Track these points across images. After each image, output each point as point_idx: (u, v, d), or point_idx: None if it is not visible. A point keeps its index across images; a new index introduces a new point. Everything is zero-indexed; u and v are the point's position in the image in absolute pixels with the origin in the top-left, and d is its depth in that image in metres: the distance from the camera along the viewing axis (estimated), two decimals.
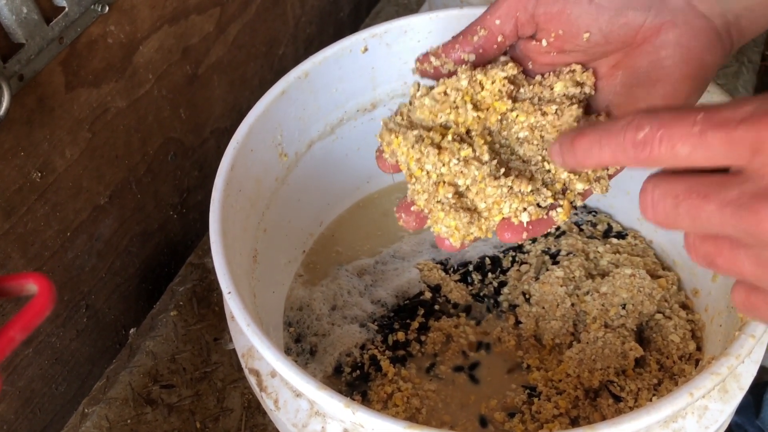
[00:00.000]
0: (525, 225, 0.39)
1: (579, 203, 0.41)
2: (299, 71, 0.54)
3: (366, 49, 0.56)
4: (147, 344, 0.72)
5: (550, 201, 0.39)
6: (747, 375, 0.43)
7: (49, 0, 0.51)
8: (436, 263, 0.62)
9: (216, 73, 0.77)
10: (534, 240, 0.62)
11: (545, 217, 0.40)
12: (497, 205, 0.39)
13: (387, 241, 0.64)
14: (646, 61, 0.39)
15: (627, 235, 0.62)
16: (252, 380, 0.46)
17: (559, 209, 0.40)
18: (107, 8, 0.56)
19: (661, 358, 0.52)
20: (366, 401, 0.54)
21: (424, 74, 0.43)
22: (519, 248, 0.62)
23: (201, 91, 0.76)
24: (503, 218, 0.39)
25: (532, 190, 0.39)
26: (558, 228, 0.63)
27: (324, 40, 0.94)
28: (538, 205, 0.39)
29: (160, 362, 0.71)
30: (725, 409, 0.42)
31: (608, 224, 0.63)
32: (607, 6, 0.38)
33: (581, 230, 0.63)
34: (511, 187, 0.39)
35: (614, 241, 0.61)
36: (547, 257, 0.60)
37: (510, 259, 0.62)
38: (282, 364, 0.40)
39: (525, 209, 0.39)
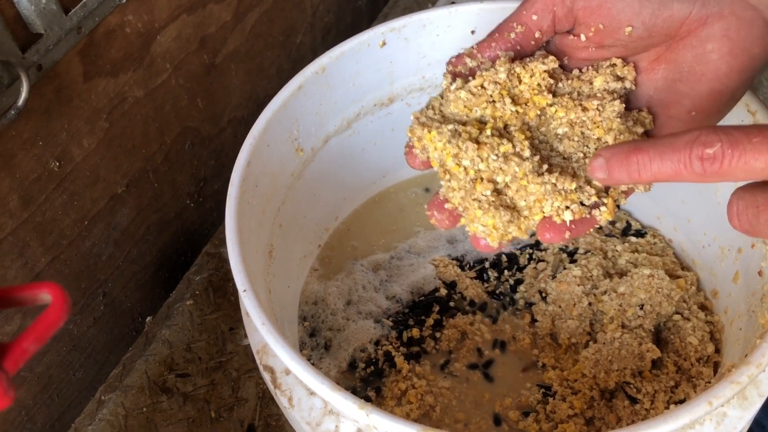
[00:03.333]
0: (568, 224, 0.38)
1: (623, 202, 0.39)
2: (316, 66, 0.53)
3: (384, 44, 0.56)
4: (163, 333, 0.73)
5: (594, 199, 0.38)
6: (767, 382, 0.42)
7: None
8: (452, 259, 0.61)
9: (233, 62, 0.77)
10: None
11: (588, 216, 0.38)
12: (539, 204, 0.37)
13: (402, 236, 0.63)
14: (690, 55, 0.38)
15: (646, 233, 0.61)
16: (266, 377, 0.46)
17: (602, 208, 0.38)
18: None
19: (678, 360, 0.52)
20: (380, 397, 0.54)
21: (458, 77, 0.42)
22: (536, 246, 0.62)
23: (218, 80, 0.75)
24: (544, 217, 0.38)
25: (576, 188, 0.37)
26: None
27: (342, 29, 0.94)
28: (582, 204, 0.38)
29: (176, 351, 0.72)
30: (744, 416, 0.41)
31: (627, 222, 0.63)
32: None
33: (600, 228, 0.62)
34: (555, 185, 0.37)
35: (633, 239, 0.61)
36: (564, 255, 0.60)
37: (527, 256, 0.61)
38: (296, 364, 0.40)
39: (568, 207, 0.37)
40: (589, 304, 0.55)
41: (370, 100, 0.59)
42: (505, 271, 0.60)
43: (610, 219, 0.38)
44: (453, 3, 0.80)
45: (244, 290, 0.43)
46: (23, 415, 0.65)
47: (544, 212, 0.37)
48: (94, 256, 0.68)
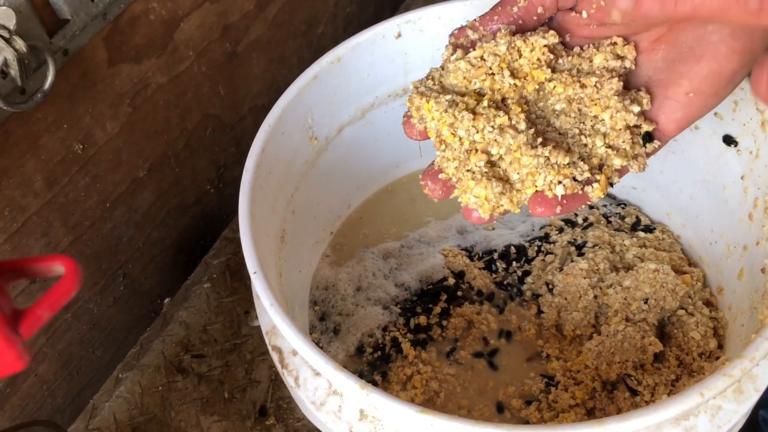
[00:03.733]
0: (559, 199, 0.38)
1: (616, 180, 0.39)
2: (332, 56, 0.54)
3: (399, 35, 0.57)
4: (180, 314, 0.75)
5: (586, 175, 0.38)
6: (764, 377, 0.42)
7: None
8: (461, 249, 0.62)
9: (255, 51, 0.78)
10: (561, 230, 0.63)
11: (580, 192, 0.38)
12: (531, 177, 0.37)
13: (413, 225, 0.65)
14: (690, 36, 0.38)
15: (655, 229, 0.62)
16: (275, 357, 0.48)
17: (595, 185, 0.38)
18: None
19: (680, 355, 0.52)
20: (385, 382, 0.55)
21: (459, 48, 0.42)
22: (545, 238, 0.62)
23: (240, 68, 0.77)
24: (536, 191, 0.38)
25: (569, 163, 0.38)
26: (585, 219, 0.63)
27: (364, 20, 0.95)
28: (575, 179, 0.38)
29: (193, 332, 0.74)
30: (739, 409, 0.42)
31: (637, 217, 0.63)
32: None
33: (609, 222, 0.63)
34: (548, 158, 0.37)
35: (641, 234, 0.61)
36: (572, 248, 0.60)
37: (535, 248, 0.62)
38: (302, 344, 0.41)
39: (560, 182, 0.37)
40: (595, 297, 0.56)
41: (384, 90, 0.60)
42: (514, 263, 0.61)
43: (602, 196, 0.38)
44: None
45: (255, 272, 0.44)
46: (44, 390, 0.68)
47: (536, 186, 0.37)
48: (115, 238, 0.70)
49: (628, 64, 0.41)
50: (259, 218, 0.48)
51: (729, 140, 0.52)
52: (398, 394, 0.54)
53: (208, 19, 0.69)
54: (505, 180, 0.38)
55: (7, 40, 0.47)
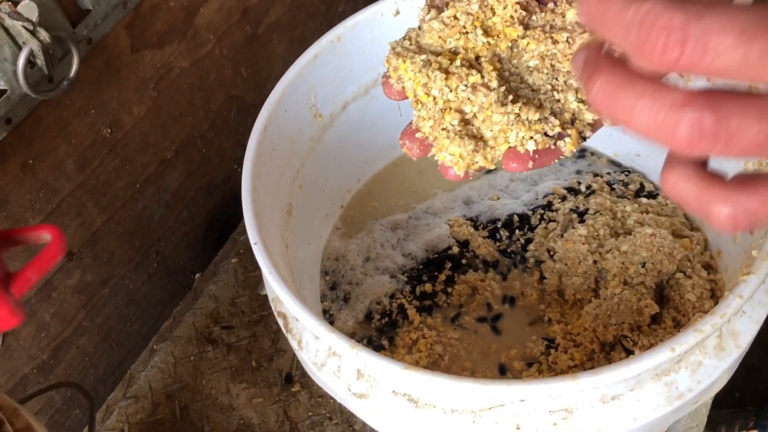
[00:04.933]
0: (531, 154, 0.38)
1: (588, 134, 0.40)
2: (331, 36, 0.56)
3: (398, 12, 0.58)
4: (210, 288, 0.79)
5: (557, 130, 0.38)
6: (746, 333, 0.43)
7: None
8: (467, 219, 0.64)
9: (276, 32, 0.80)
10: (564, 199, 0.64)
11: (552, 147, 0.39)
12: (503, 134, 0.38)
13: (421, 197, 0.67)
14: None
15: (658, 194, 0.62)
16: (280, 322, 0.51)
17: (567, 139, 0.39)
18: None
19: (677, 316, 0.53)
20: (392, 346, 0.58)
21: (434, 9, 0.42)
22: (548, 206, 0.64)
23: (261, 49, 0.79)
24: (509, 147, 0.38)
25: (540, 119, 0.38)
26: (589, 187, 0.64)
27: None
28: (546, 134, 0.38)
29: (221, 305, 0.78)
30: (720, 365, 0.43)
31: (641, 183, 0.64)
32: None
33: (612, 189, 0.64)
34: (519, 115, 0.38)
35: (644, 200, 0.62)
36: (574, 216, 0.61)
37: (538, 216, 0.63)
38: (297, 308, 0.44)
39: (532, 138, 0.38)
40: (594, 262, 0.57)
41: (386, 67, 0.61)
42: (517, 231, 0.63)
43: (574, 150, 0.39)
44: None
45: (255, 243, 0.47)
46: (86, 361, 0.72)
47: (508, 142, 0.38)
48: (146, 217, 0.73)
49: None
50: (262, 193, 0.51)
51: None
52: (404, 357, 0.57)
53: (227, 3, 0.72)
54: (478, 137, 0.39)
55: (32, 32, 0.50)
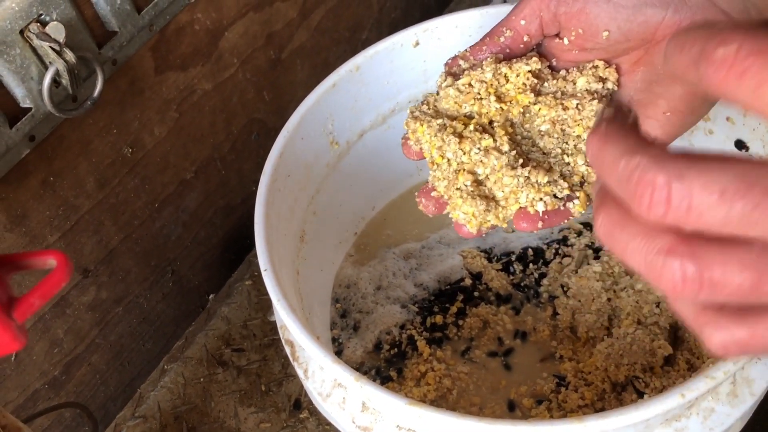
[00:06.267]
0: (540, 215, 0.40)
1: None
2: (351, 65, 0.57)
3: (417, 44, 0.59)
4: (223, 310, 0.79)
5: (566, 192, 0.40)
6: (760, 381, 0.42)
7: None
8: (480, 251, 0.64)
9: (299, 57, 0.81)
10: (579, 234, 0.63)
11: (562, 208, 0.41)
12: (514, 195, 0.40)
13: (434, 227, 0.66)
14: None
15: None
16: (287, 349, 0.51)
17: (575, 201, 0.41)
18: None
19: (691, 359, 0.52)
20: (401, 378, 0.57)
21: (451, 76, 0.45)
22: (563, 241, 0.63)
23: (284, 74, 0.80)
24: (520, 207, 0.40)
25: (549, 181, 0.40)
26: None
27: (410, 25, 0.97)
28: (555, 196, 0.40)
29: (233, 327, 0.78)
30: (733, 413, 0.42)
31: None
32: (624, 4, 0.39)
33: None
34: (528, 177, 0.40)
35: None
36: (590, 251, 0.61)
37: (553, 251, 0.63)
38: (304, 337, 0.44)
39: (541, 199, 0.40)
40: (608, 299, 0.56)
41: (404, 96, 0.62)
42: (531, 265, 0.62)
43: (583, 211, 0.40)
44: (505, 2, 0.81)
45: (265, 270, 0.47)
46: (97, 379, 0.73)
47: (519, 203, 0.40)
48: (163, 237, 0.74)
49: (610, 85, 0.42)
50: (275, 219, 0.51)
51: (741, 145, 0.51)
52: (412, 390, 0.56)
53: (252, 27, 0.73)
54: (490, 198, 0.41)
55: (58, 52, 0.51)
